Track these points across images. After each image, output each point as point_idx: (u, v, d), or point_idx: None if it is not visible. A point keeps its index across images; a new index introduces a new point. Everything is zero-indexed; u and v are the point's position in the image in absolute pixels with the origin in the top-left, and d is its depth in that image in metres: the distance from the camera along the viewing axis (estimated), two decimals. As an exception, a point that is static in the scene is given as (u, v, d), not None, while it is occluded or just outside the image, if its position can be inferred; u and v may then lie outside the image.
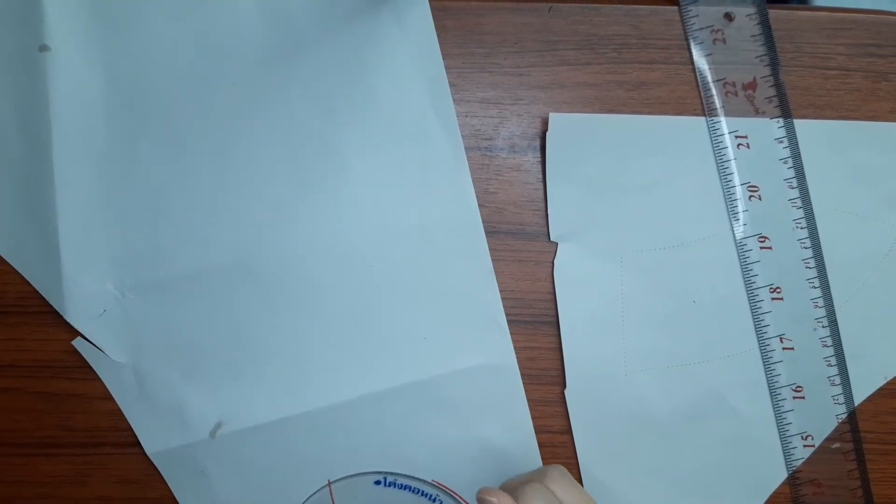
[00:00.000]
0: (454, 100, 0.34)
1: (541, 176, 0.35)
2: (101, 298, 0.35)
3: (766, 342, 0.35)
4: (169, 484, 0.35)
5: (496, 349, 0.35)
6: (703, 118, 0.35)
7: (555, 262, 0.35)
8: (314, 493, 0.35)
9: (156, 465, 0.35)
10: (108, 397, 0.35)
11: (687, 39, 0.35)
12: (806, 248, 0.35)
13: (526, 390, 0.35)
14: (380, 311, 0.35)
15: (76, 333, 0.35)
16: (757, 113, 0.34)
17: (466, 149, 0.35)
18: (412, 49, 0.34)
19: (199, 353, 0.35)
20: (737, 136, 0.35)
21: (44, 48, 0.33)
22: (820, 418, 0.35)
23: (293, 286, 0.35)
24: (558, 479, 0.29)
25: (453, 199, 0.35)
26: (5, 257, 0.35)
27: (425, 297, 0.35)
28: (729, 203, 0.35)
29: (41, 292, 0.35)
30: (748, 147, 0.34)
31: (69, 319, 0.34)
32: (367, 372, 0.35)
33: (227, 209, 0.35)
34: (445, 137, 0.34)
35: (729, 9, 0.34)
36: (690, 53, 0.35)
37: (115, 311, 0.35)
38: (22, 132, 0.34)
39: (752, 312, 0.35)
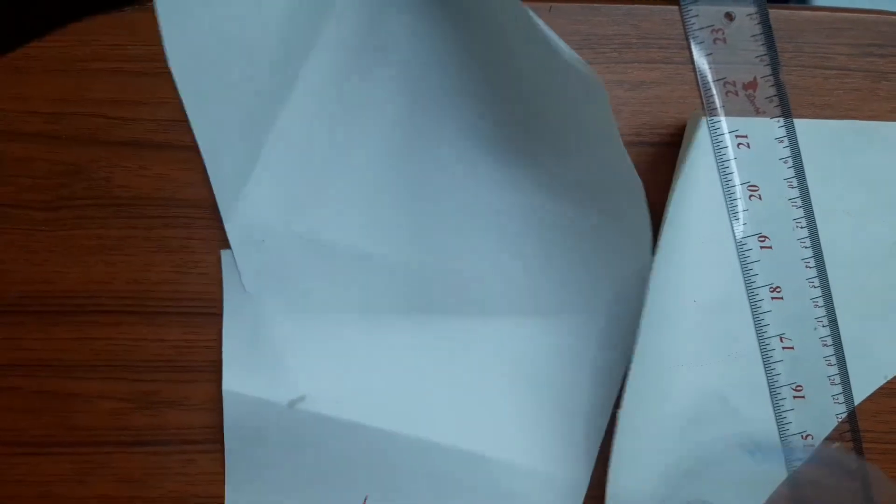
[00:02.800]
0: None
1: (541, 175, 0.35)
2: (266, 231, 0.33)
3: (766, 342, 0.35)
4: (225, 436, 0.34)
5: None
6: (703, 118, 0.35)
7: (555, 261, 0.35)
8: None
9: (223, 404, 0.34)
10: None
11: (687, 39, 0.35)
12: (806, 247, 0.35)
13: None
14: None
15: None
16: (757, 112, 0.34)
17: (467, 148, 0.35)
18: None
19: (327, 323, 0.34)
20: (737, 136, 0.34)
21: None
22: (820, 418, 0.35)
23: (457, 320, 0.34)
24: None
25: None
26: (201, 146, 0.32)
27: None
28: (729, 202, 0.35)
29: (215, 191, 0.33)
30: (748, 147, 0.34)
31: (227, 229, 0.33)
32: (465, 426, 0.34)
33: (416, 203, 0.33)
34: None
35: (729, 8, 0.34)
36: (691, 53, 0.35)
37: (272, 247, 0.33)
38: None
39: (752, 312, 0.35)
